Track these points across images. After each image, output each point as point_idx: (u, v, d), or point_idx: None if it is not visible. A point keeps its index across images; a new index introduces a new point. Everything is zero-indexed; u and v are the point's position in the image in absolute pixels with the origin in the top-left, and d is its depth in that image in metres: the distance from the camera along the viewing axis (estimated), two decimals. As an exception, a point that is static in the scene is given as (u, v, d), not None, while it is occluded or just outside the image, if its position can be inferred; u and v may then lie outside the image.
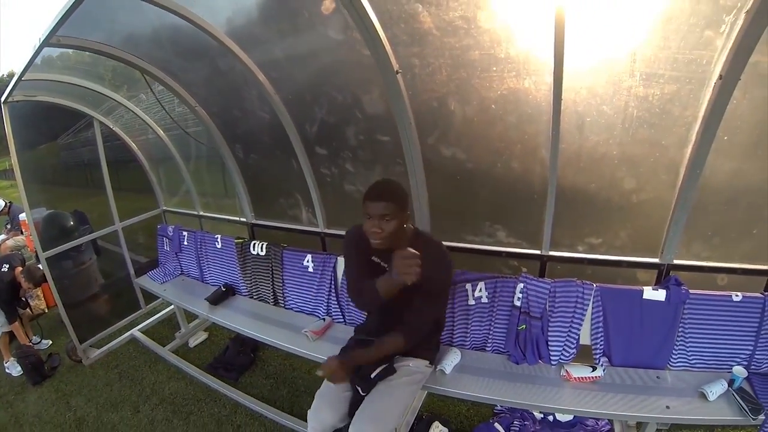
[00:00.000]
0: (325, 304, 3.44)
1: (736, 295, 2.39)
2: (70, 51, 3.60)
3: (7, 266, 4.47)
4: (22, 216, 7.06)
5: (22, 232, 7.36)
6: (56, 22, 2.29)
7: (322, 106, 3.21)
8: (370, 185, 2.27)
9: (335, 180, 3.60)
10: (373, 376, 2.34)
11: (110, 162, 4.67)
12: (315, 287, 3.48)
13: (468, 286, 2.86)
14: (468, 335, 2.89)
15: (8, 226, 7.88)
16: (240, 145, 4.06)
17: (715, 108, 2.09)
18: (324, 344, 3.09)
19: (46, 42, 2.55)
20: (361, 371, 2.37)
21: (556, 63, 2.16)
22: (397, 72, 2.57)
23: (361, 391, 2.35)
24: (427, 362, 2.56)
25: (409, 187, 3.06)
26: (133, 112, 4.37)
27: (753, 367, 2.43)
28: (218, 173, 4.79)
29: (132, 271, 4.90)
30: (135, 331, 4.85)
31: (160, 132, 4.58)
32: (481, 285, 2.84)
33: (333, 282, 3.42)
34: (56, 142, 4.84)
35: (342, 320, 3.39)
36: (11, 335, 4.59)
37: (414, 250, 2.00)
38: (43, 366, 4.38)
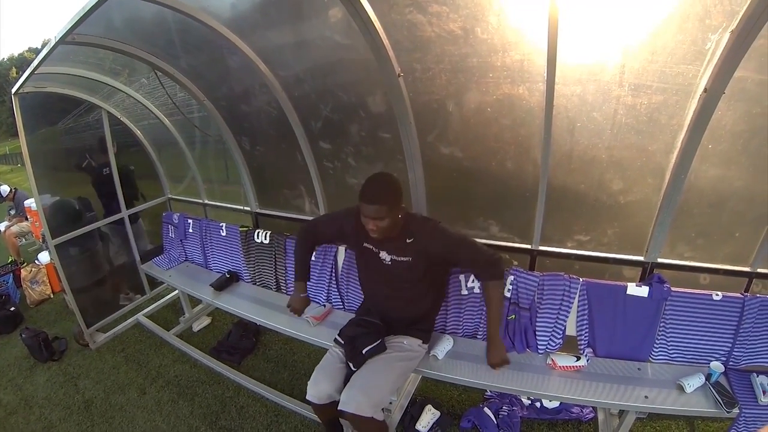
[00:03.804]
0: (326, 291, 3.53)
1: (717, 295, 2.46)
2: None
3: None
4: (27, 202, 7.10)
5: (27, 218, 7.41)
6: (74, 22, 2.28)
7: (326, 104, 3.27)
8: (365, 183, 2.47)
9: (338, 173, 3.68)
10: (364, 351, 2.50)
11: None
12: (316, 275, 3.55)
13: (461, 276, 2.95)
14: (461, 323, 3.00)
15: (11, 212, 7.91)
16: (246, 137, 4.11)
17: (699, 118, 2.18)
18: (324, 329, 3.19)
19: (62, 40, 2.58)
20: (354, 348, 2.53)
21: (549, 72, 2.25)
22: (399, 75, 2.66)
23: (352, 366, 2.50)
24: (420, 341, 2.69)
25: (407, 181, 3.16)
26: (136, 99, 4.39)
27: (731, 363, 2.51)
28: (221, 159, 4.82)
29: (137, 258, 4.97)
30: (140, 316, 4.93)
31: (164, 119, 4.61)
32: (473, 276, 2.92)
33: (333, 270, 3.50)
34: (56, 127, 4.74)
35: (341, 307, 3.49)
36: None
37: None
38: (51, 344, 4.49)
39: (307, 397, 2.55)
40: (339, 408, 2.38)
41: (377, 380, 2.44)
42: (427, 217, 2.69)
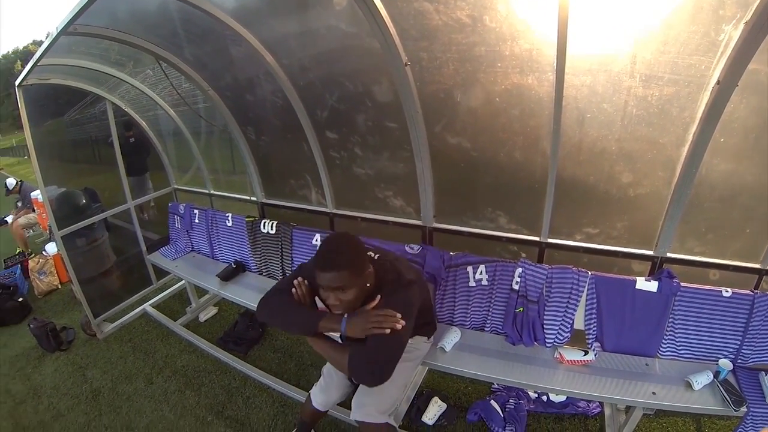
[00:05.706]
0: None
1: (726, 291, 2.43)
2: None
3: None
4: (34, 194, 7.15)
5: (33, 210, 7.46)
6: (75, 12, 2.28)
7: (332, 93, 3.24)
8: (320, 248, 2.12)
9: (344, 163, 3.65)
10: None
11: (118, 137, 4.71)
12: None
13: (469, 268, 2.94)
14: (468, 315, 2.99)
15: (19, 204, 7.95)
16: (252, 127, 4.09)
17: (712, 111, 2.14)
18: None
19: (64, 31, 2.55)
20: None
21: (559, 62, 2.21)
22: (406, 64, 2.63)
23: (353, 380, 2.43)
24: (425, 338, 2.63)
25: (415, 171, 3.14)
26: (141, 90, 4.39)
27: (740, 361, 2.49)
28: (227, 150, 4.82)
29: (144, 248, 4.97)
30: (147, 306, 4.96)
31: (170, 110, 4.61)
32: (481, 268, 2.92)
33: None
34: (62, 119, 4.74)
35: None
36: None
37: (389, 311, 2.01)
38: (59, 335, 4.51)
39: (313, 404, 2.53)
40: (352, 416, 2.31)
41: (384, 385, 2.21)
42: (403, 275, 2.19)
